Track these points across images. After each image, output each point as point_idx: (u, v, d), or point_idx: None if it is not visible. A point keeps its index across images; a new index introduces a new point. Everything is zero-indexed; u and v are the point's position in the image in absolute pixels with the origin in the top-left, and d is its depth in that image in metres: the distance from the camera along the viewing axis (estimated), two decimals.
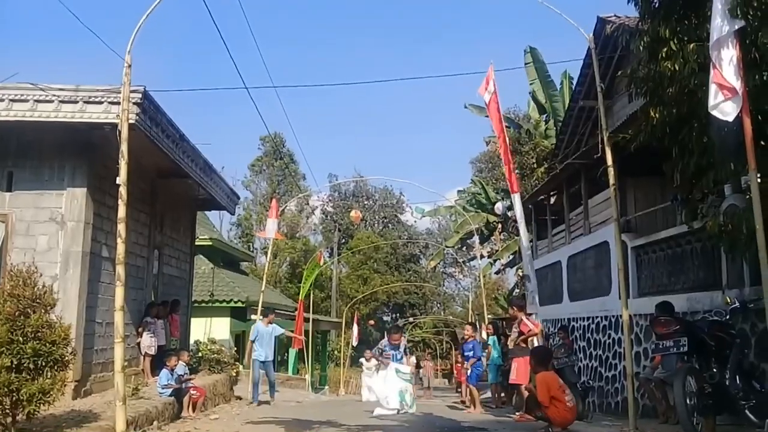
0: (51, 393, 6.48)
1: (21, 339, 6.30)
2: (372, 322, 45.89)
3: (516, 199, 11.42)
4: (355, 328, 34.37)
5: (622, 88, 13.21)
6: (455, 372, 21.28)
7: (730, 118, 5.80)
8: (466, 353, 13.16)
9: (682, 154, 7.36)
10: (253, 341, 13.38)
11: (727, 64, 5.76)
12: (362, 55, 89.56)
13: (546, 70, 23.84)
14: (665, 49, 6.93)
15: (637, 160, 10.22)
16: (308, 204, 51.95)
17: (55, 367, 6.55)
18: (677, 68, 6.75)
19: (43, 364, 6.41)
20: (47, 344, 6.44)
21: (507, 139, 10.32)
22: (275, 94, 48.47)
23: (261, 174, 52.50)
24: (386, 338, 12.90)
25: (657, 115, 7.36)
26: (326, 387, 28.60)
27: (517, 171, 21.60)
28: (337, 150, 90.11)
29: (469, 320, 19.94)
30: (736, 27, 5.81)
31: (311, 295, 27.48)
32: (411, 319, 47.46)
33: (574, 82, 18.69)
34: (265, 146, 51.68)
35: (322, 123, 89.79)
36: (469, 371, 12.88)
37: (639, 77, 7.71)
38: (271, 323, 13.70)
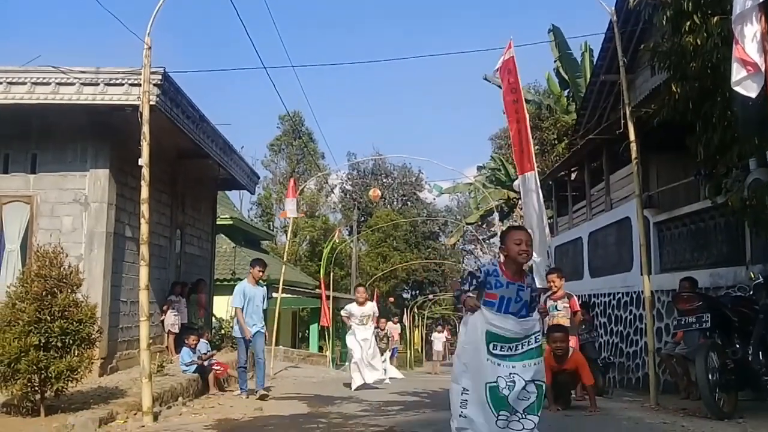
0: (78, 370, 6.64)
1: (48, 318, 6.45)
2: (392, 299, 46.09)
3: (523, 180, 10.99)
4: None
5: (644, 61, 13.02)
6: None
7: (753, 94, 5.70)
8: None
9: (705, 128, 7.28)
10: (242, 308, 9.43)
11: (750, 39, 5.64)
12: (381, 33, 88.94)
13: (567, 47, 23.58)
14: (688, 23, 6.83)
15: (660, 135, 10.12)
16: (327, 182, 52.05)
17: (82, 345, 6.70)
18: (700, 42, 6.65)
19: (71, 342, 6.56)
20: (74, 323, 6.59)
21: (527, 116, 10.14)
22: (294, 73, 48.38)
23: (280, 153, 52.64)
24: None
25: (680, 90, 7.27)
26: (347, 363, 28.83)
27: (537, 147, 21.44)
28: (356, 128, 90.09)
29: None
30: (761, 0, 5.69)
31: (331, 273, 27.63)
32: (431, 297, 47.60)
33: (595, 56, 18.45)
34: (284, 125, 51.76)
35: (341, 101, 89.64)
36: None
37: (662, 51, 7.62)
38: (260, 282, 9.87)
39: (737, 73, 5.74)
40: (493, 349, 4.39)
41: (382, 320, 22.73)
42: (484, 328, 4.38)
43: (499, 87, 11.12)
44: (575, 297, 8.97)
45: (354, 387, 10.77)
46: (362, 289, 11.73)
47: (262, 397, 9.13)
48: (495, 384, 4.33)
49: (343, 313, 11.48)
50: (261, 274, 9.79)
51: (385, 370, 11.79)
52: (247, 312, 9.49)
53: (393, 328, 22.59)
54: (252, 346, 9.67)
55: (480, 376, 4.37)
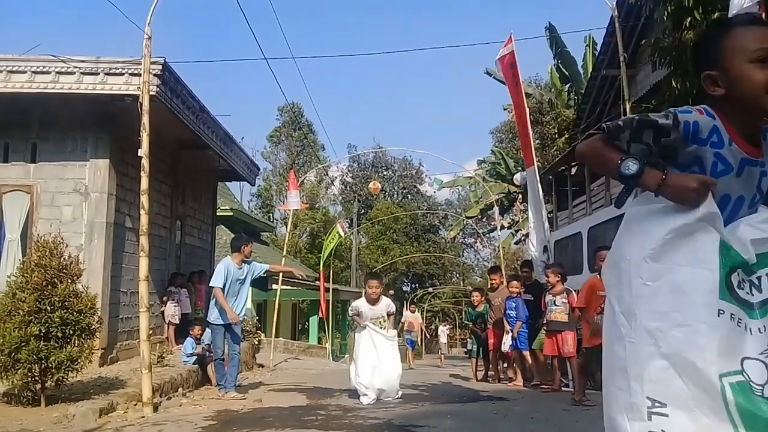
0: (79, 360, 6.67)
1: (49, 308, 6.47)
2: (391, 292, 46.05)
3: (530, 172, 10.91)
4: None
5: (645, 57, 13.02)
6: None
7: None
8: (507, 312, 10.01)
9: None
10: (223, 288, 8.17)
11: None
12: (381, 25, 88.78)
13: (564, 44, 23.71)
14: (689, 19, 6.85)
15: None
16: (327, 175, 52.07)
17: (83, 336, 6.73)
18: None
19: (71, 332, 6.59)
20: (74, 313, 6.61)
21: (527, 110, 10.15)
22: (294, 64, 48.32)
23: (280, 145, 52.62)
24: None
25: (680, 86, 7.29)
26: (346, 355, 28.94)
27: (537, 141, 21.45)
28: (356, 120, 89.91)
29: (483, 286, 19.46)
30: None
31: (331, 266, 27.68)
32: (430, 290, 47.68)
33: (598, 49, 18.40)
34: (284, 117, 51.74)
35: (341, 93, 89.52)
36: (510, 336, 9.93)
37: (663, 47, 7.63)
38: (246, 261, 8.59)
39: None
40: (738, 286, 1.80)
41: (411, 319, 21.85)
42: (713, 236, 1.80)
43: (501, 82, 11.11)
44: (574, 293, 8.96)
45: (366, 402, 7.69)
46: (375, 283, 8.51)
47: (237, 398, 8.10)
48: (742, 378, 1.73)
49: (350, 311, 8.77)
50: (249, 251, 8.71)
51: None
52: (230, 296, 8.29)
53: (412, 318, 22.04)
54: (229, 338, 8.44)
55: (703, 361, 1.72)
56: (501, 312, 10.35)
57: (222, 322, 8.26)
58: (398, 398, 7.96)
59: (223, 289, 8.19)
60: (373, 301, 8.27)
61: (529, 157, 11.33)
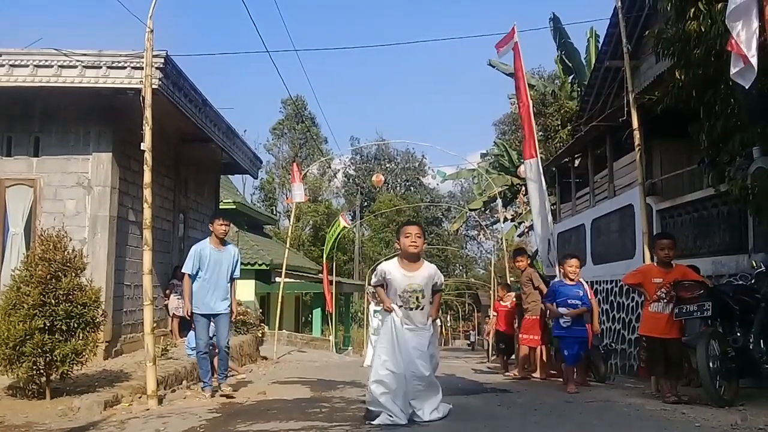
0: (83, 353, 6.71)
1: (53, 301, 6.49)
2: None
3: (531, 164, 10.57)
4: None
5: (649, 47, 12.95)
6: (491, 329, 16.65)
7: (747, 85, 5.71)
8: (572, 300, 7.97)
9: (708, 116, 7.26)
10: (192, 276, 7.35)
11: (744, 33, 5.60)
12: (385, 17, 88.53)
13: (567, 36, 23.70)
14: (693, 9, 6.80)
15: (664, 122, 10.08)
16: (330, 167, 52.06)
17: (87, 329, 6.75)
18: (704, 29, 6.63)
19: (75, 325, 6.61)
20: (79, 306, 6.63)
21: (530, 103, 10.10)
22: (296, 57, 48.20)
23: (283, 137, 52.70)
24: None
25: (683, 77, 7.25)
26: (350, 348, 29.02)
27: (540, 133, 21.38)
28: (359, 113, 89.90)
29: (493, 283, 19.44)
30: None
31: (334, 258, 27.71)
32: None
33: (600, 41, 18.34)
34: (287, 109, 51.74)
35: (344, 86, 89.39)
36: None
37: (666, 38, 7.58)
38: (225, 244, 7.63)
39: (735, 63, 5.73)
40: None
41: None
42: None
43: (505, 74, 11.05)
44: (585, 283, 8.80)
45: (379, 420, 5.16)
46: (416, 230, 5.57)
47: (228, 396, 7.32)
48: None
49: (373, 282, 5.81)
50: (225, 228, 7.59)
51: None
52: (209, 282, 7.44)
53: None
54: (216, 332, 7.68)
55: None
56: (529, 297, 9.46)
57: (203, 312, 7.45)
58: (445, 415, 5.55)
59: (197, 275, 7.40)
60: (411, 260, 5.49)
61: (532, 148, 11.26)
